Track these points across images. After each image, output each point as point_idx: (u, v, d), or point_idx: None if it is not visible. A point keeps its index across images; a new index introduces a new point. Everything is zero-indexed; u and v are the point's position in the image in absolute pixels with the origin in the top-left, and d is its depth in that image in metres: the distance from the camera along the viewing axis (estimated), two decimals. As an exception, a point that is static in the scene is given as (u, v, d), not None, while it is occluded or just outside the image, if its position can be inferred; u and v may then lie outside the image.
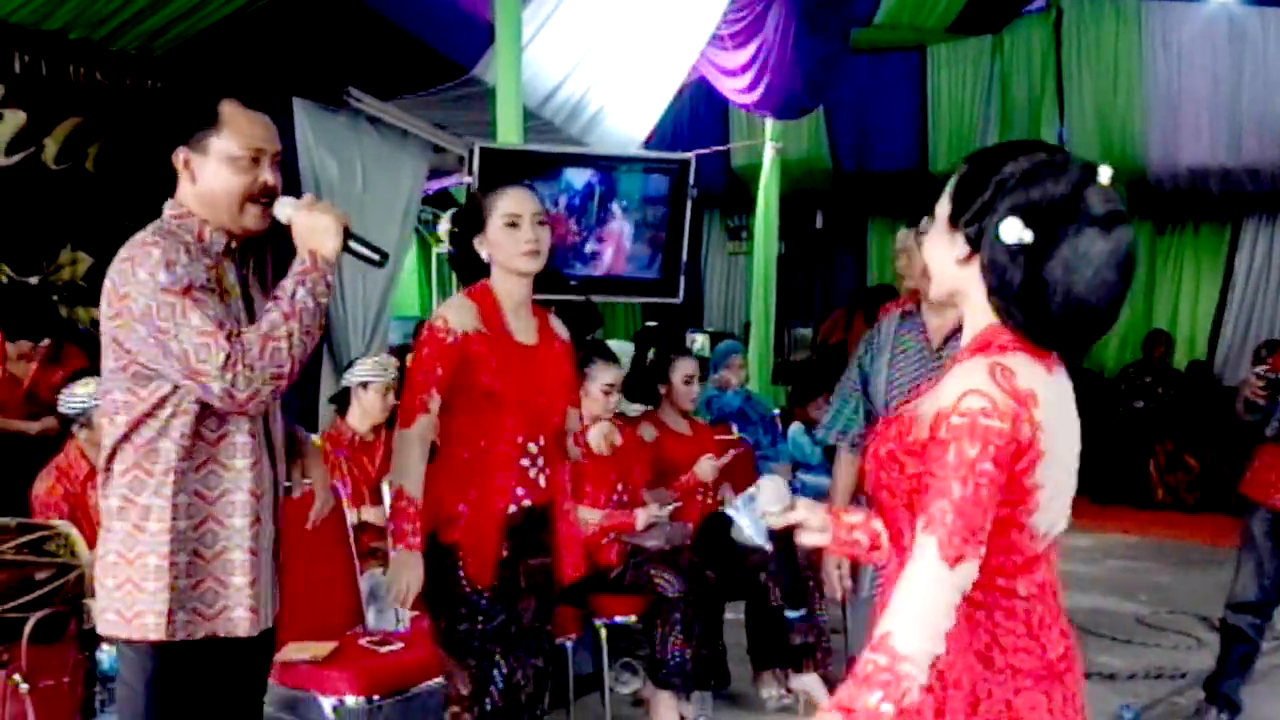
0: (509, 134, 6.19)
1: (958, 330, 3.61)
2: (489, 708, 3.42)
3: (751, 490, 2.29)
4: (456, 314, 3.40)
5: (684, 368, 5.61)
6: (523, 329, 3.51)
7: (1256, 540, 5.02)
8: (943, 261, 2.02)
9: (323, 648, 4.24)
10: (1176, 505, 10.90)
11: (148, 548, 2.54)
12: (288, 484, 2.94)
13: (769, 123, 10.09)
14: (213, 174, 2.65)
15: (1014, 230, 1.86)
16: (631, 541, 5.04)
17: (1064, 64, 11.36)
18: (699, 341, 10.55)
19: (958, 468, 1.83)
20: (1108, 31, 11.20)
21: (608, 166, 7.47)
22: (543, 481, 3.47)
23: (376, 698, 4.12)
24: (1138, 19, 11.08)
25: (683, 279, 7.76)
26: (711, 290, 13.69)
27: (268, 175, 2.69)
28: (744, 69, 8.88)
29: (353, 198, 7.03)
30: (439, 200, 10.30)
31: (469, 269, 3.55)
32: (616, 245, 7.49)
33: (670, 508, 5.17)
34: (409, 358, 3.62)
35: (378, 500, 5.03)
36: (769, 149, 10.11)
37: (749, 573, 5.30)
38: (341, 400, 5.58)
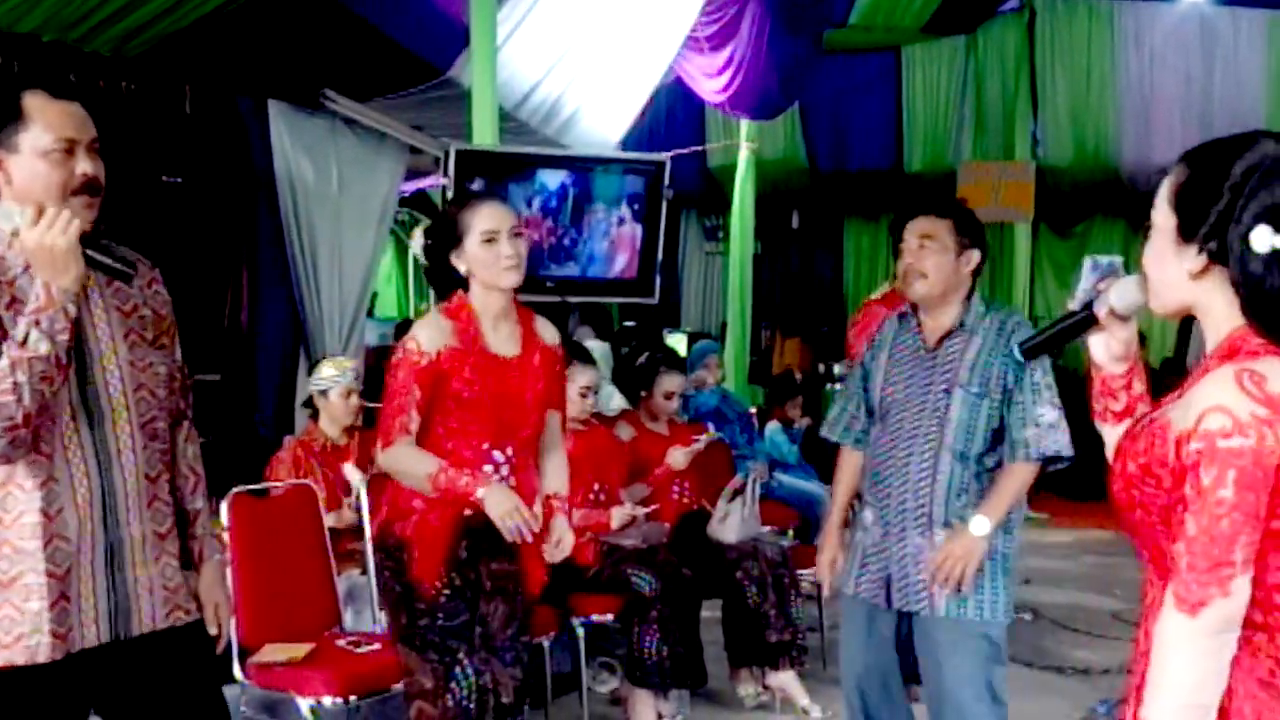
0: (484, 135, 6.19)
1: (952, 331, 3.65)
2: (453, 703, 3.42)
3: (1119, 297, 2.06)
4: (428, 334, 3.41)
5: (668, 383, 5.64)
6: (502, 340, 3.50)
7: None
8: (1173, 276, 1.87)
9: (300, 649, 4.23)
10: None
11: None
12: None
13: (745, 123, 10.11)
14: (28, 171, 2.48)
15: (1265, 238, 1.73)
16: (609, 540, 5.05)
17: (1037, 64, 11.42)
18: (680, 340, 10.59)
19: (1195, 501, 1.74)
20: (1080, 31, 11.26)
21: (583, 168, 7.47)
22: (516, 534, 3.39)
23: (354, 698, 4.12)
24: (1110, 19, 11.14)
25: (658, 279, 7.77)
26: (689, 290, 13.71)
27: (86, 165, 2.51)
28: (720, 70, 8.90)
29: (329, 199, 7.02)
30: (416, 201, 10.30)
31: (444, 282, 3.55)
32: (594, 244, 7.49)
33: (649, 509, 5.18)
34: (387, 361, 3.60)
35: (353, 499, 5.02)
36: (745, 149, 10.14)
37: (725, 571, 5.31)
38: (313, 406, 5.58)
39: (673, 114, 10.94)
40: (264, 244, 6.83)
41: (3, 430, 2.35)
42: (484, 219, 3.44)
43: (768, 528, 5.89)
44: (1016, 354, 2.54)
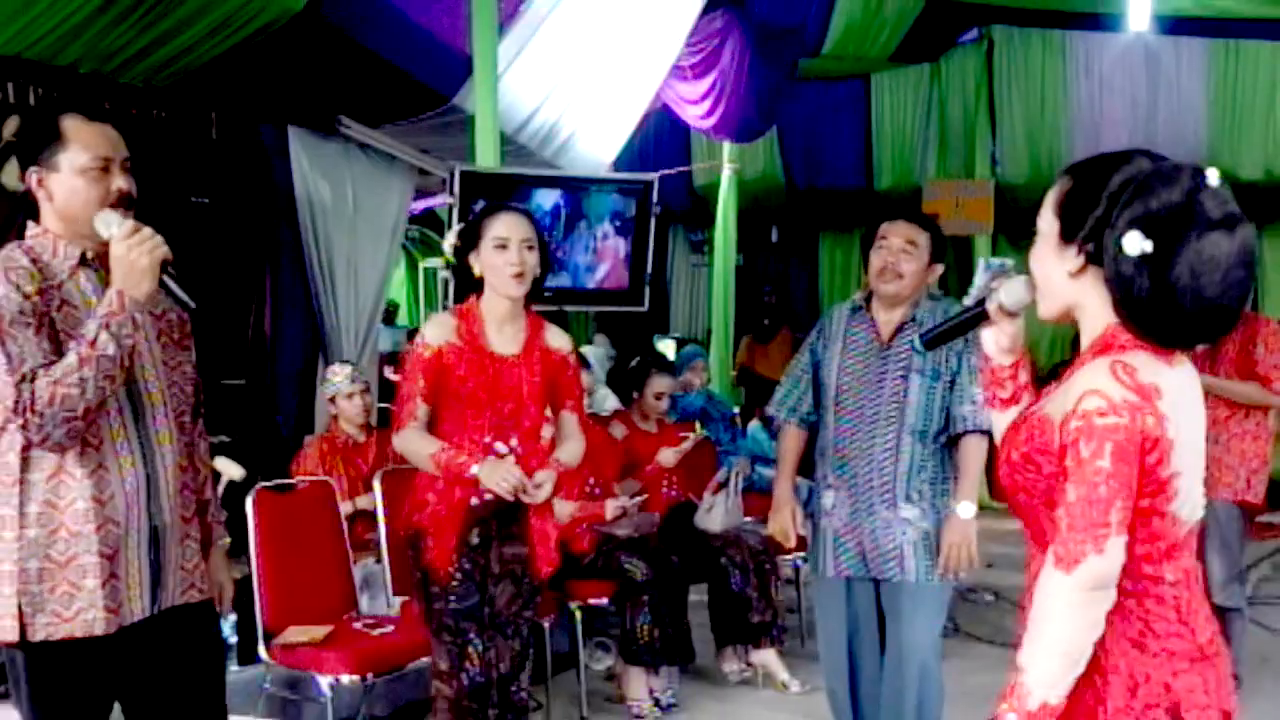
0: (487, 158, 6.20)
1: (903, 325, 3.68)
2: (467, 682, 3.44)
3: (1008, 295, 2.10)
4: (433, 330, 3.49)
5: (658, 385, 5.66)
6: (504, 341, 3.53)
7: None
8: (1055, 276, 1.93)
9: (319, 631, 4.25)
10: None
11: (2, 555, 2.47)
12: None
13: (727, 145, 10.11)
14: (67, 188, 2.54)
15: (1136, 243, 1.77)
16: (603, 530, 5.06)
17: (996, 89, 11.41)
18: (669, 346, 10.60)
19: (1074, 471, 1.80)
20: (1035, 59, 11.27)
21: (578, 187, 7.49)
22: (513, 495, 3.43)
23: (370, 676, 4.14)
24: (1063, 48, 11.15)
25: (648, 289, 7.78)
26: (677, 299, 13.68)
27: (120, 181, 2.57)
28: (703, 97, 8.91)
29: (345, 217, 7.02)
30: (425, 219, 10.30)
31: (464, 281, 3.58)
32: (588, 257, 7.51)
33: (639, 499, 5.19)
34: (400, 364, 3.65)
35: (369, 489, 5.03)
36: (727, 169, 10.14)
37: (711, 558, 5.33)
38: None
39: (660, 137, 10.92)
40: (285, 258, 6.83)
41: (63, 421, 2.39)
42: (499, 226, 3.48)
43: (750, 518, 5.90)
44: (918, 344, 2.59)
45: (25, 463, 2.47)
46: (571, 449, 3.66)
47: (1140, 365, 1.82)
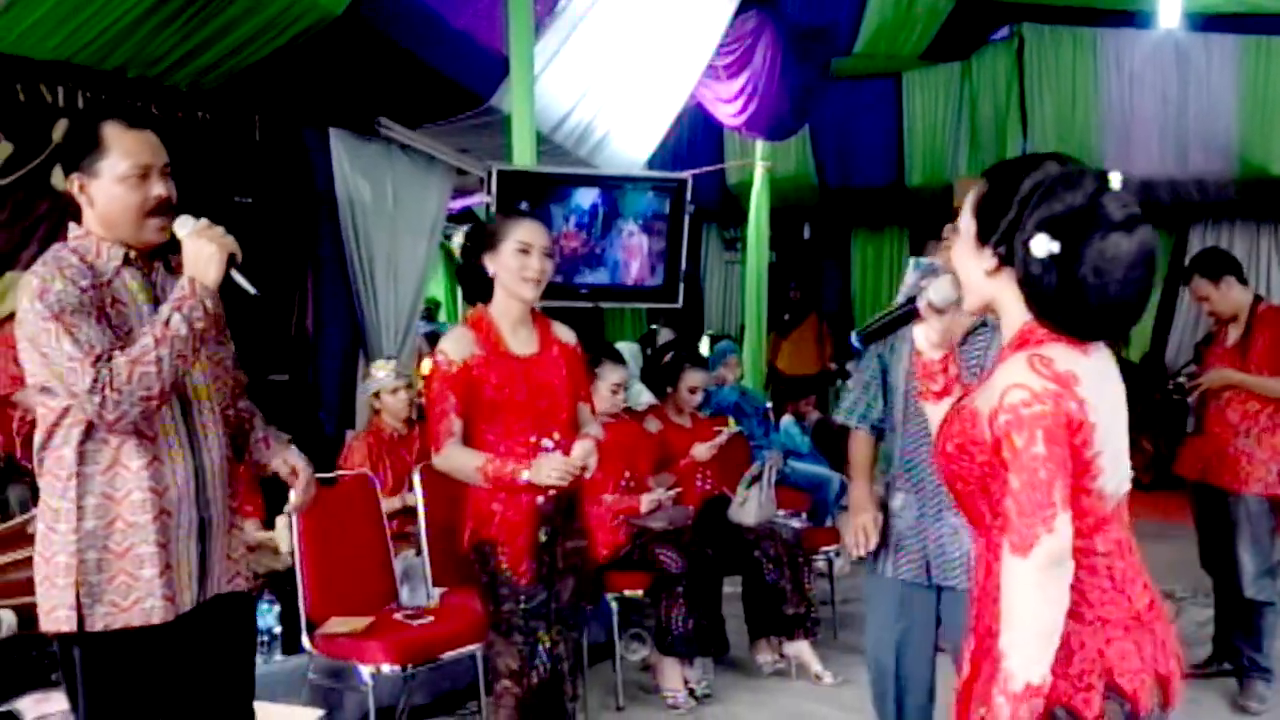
0: (523, 157, 6.21)
1: (975, 327, 3.58)
2: (536, 680, 3.43)
3: (936, 293, 2.19)
4: (454, 345, 3.45)
5: (692, 379, 5.66)
6: (521, 342, 3.53)
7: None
8: (974, 274, 2.03)
9: (361, 622, 4.27)
10: (1133, 485, 10.86)
11: (59, 547, 2.49)
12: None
13: (759, 144, 10.09)
14: (108, 195, 2.56)
15: (1043, 245, 1.86)
16: (638, 523, 5.06)
17: (1026, 87, 11.34)
18: (703, 342, 10.60)
19: (1013, 461, 1.88)
20: (1066, 56, 11.19)
21: (613, 185, 7.49)
22: (569, 480, 3.43)
23: (410, 666, 4.15)
24: (1093, 45, 11.06)
25: (682, 286, 7.77)
26: (710, 296, 13.67)
27: (159, 188, 2.60)
28: (736, 96, 8.89)
29: (385, 216, 7.06)
30: (463, 218, 10.33)
31: (472, 281, 3.58)
32: (623, 255, 7.51)
33: (673, 493, 5.19)
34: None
35: (412, 486, 5.05)
36: (760, 168, 10.11)
37: (745, 550, 5.32)
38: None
39: (694, 136, 10.91)
40: (326, 257, 6.87)
41: (140, 400, 2.42)
42: (524, 232, 3.47)
43: (783, 511, 5.89)
44: (855, 341, 2.62)
45: (81, 456, 2.49)
46: (595, 429, 3.69)
47: (1056, 356, 1.90)
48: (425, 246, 7.42)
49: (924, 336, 2.27)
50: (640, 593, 5.07)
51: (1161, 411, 10.39)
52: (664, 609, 4.94)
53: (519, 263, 3.45)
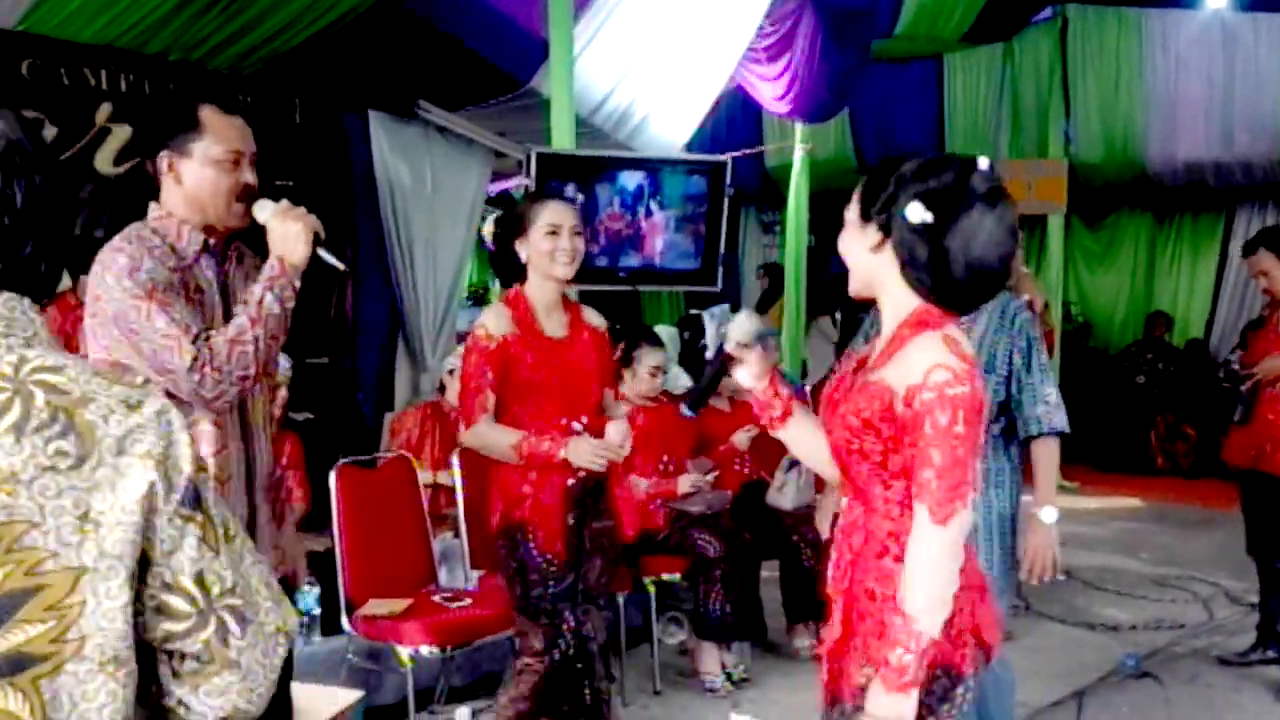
0: (562, 140, 6.20)
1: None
2: (559, 657, 3.47)
3: (737, 331, 2.36)
4: (494, 321, 3.46)
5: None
6: (554, 325, 3.56)
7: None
8: (858, 253, 2.17)
9: (399, 603, 4.29)
10: (1175, 472, 10.80)
11: None
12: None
13: (799, 126, 10.03)
14: (198, 175, 2.59)
15: (917, 212, 2.04)
16: (676, 507, 5.06)
17: (1070, 68, 11.22)
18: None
19: (935, 437, 1.99)
20: (1110, 38, 11.06)
21: (652, 168, 7.47)
22: (605, 464, 3.46)
23: (448, 648, 4.17)
24: (1138, 26, 10.93)
25: (720, 269, 7.75)
26: (749, 279, 13.65)
27: (248, 175, 2.64)
28: (776, 79, 8.84)
29: (424, 199, 7.07)
30: (501, 201, 10.33)
31: (506, 267, 3.60)
32: (662, 238, 7.49)
33: (711, 476, 5.18)
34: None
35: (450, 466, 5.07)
36: (799, 150, 10.05)
37: (783, 534, 5.31)
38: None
39: (733, 119, 10.86)
40: (366, 240, 6.89)
41: (239, 379, 2.46)
42: (551, 213, 3.50)
43: (821, 495, 5.87)
44: (686, 411, 2.72)
45: None
46: (622, 413, 3.73)
47: (959, 338, 2.07)
48: (464, 230, 7.43)
49: (747, 374, 2.39)
50: (678, 577, 5.07)
51: (1206, 398, 10.27)
52: (702, 593, 4.94)
53: (550, 244, 3.47)
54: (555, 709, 3.55)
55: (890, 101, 11.55)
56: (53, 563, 1.16)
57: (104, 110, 5.82)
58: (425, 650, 4.12)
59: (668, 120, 8.13)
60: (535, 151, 6.44)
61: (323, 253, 2.63)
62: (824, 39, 8.81)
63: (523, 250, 3.51)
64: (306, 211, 2.62)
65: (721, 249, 7.67)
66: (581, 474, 3.46)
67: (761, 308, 10.51)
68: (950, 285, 2.07)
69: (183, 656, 1.27)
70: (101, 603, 1.18)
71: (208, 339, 2.43)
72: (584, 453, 3.37)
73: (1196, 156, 11.04)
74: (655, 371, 5.19)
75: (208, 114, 2.61)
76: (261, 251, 2.64)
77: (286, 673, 2.86)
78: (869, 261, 2.15)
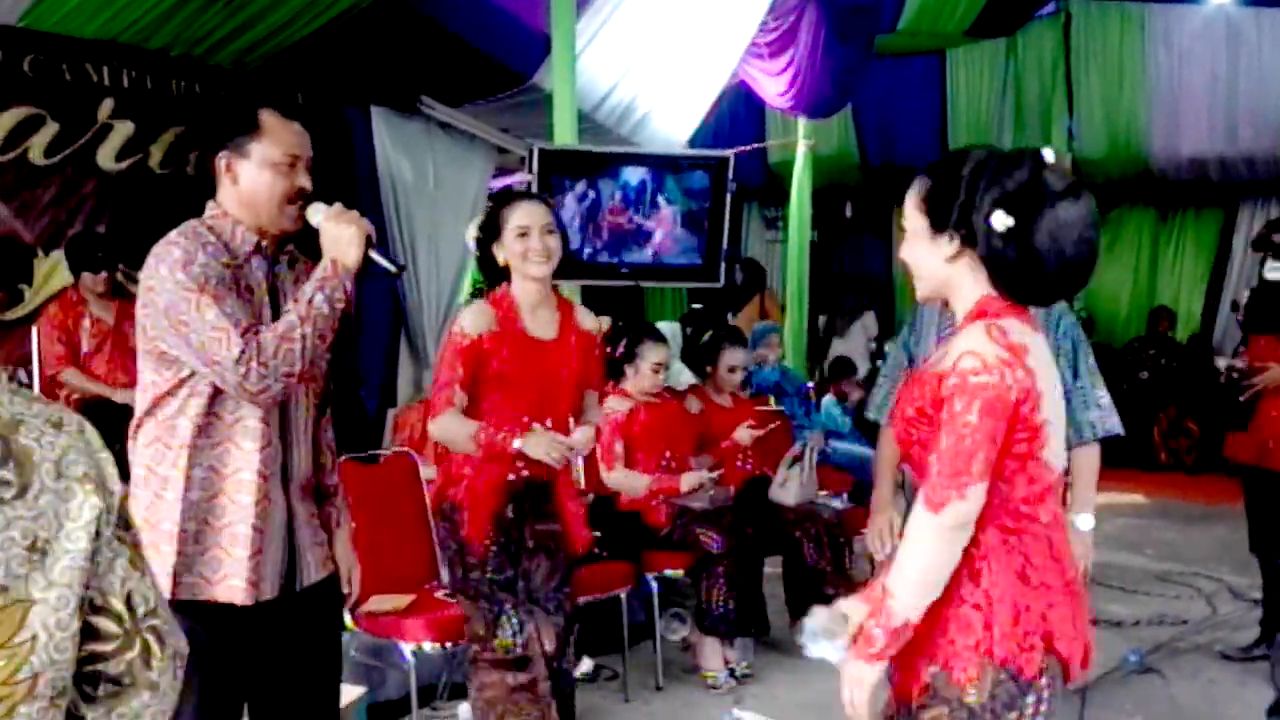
0: (565, 136, 6.20)
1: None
2: (507, 651, 3.50)
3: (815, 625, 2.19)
4: (471, 319, 3.50)
5: (731, 358, 5.63)
6: (540, 325, 3.57)
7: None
8: (932, 263, 2.13)
9: (402, 600, 4.28)
10: (1178, 467, 10.78)
11: (165, 514, 2.52)
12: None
13: (802, 122, 10.03)
14: (254, 177, 2.61)
15: (1000, 220, 2.00)
16: (679, 503, 5.05)
17: (1073, 64, 11.21)
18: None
19: (947, 423, 2.00)
20: (1113, 33, 11.05)
21: (655, 164, 7.46)
22: (562, 461, 3.48)
23: (450, 644, 4.16)
24: (1141, 21, 10.92)
25: (723, 265, 7.74)
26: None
27: (303, 179, 2.66)
28: (779, 74, 8.83)
29: (425, 195, 7.07)
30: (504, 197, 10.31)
31: (491, 269, 3.62)
32: (665, 234, 7.48)
33: (714, 474, 5.17)
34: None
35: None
36: (802, 146, 10.05)
37: (786, 530, 5.30)
38: None
39: (736, 114, 10.85)
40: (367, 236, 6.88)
41: (284, 375, 2.48)
42: (520, 215, 3.52)
43: (824, 491, 5.87)
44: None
45: (198, 429, 2.54)
46: (595, 416, 3.77)
47: (1011, 328, 2.03)
48: (466, 226, 7.43)
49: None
50: (681, 572, 5.06)
51: (1209, 394, 10.26)
52: (704, 589, 4.94)
53: (521, 246, 3.50)
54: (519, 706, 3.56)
55: (893, 97, 11.55)
56: (2, 598, 1.12)
57: (106, 106, 5.82)
58: (428, 646, 4.11)
59: (670, 116, 8.13)
60: (538, 147, 6.43)
61: (375, 255, 2.65)
62: (827, 34, 8.81)
63: (499, 253, 3.55)
64: (359, 215, 2.65)
65: (724, 245, 7.66)
66: (525, 473, 3.49)
67: (736, 304, 10.47)
68: (1041, 283, 2.07)
69: (99, 680, 1.23)
70: (53, 635, 1.15)
71: (256, 333, 2.46)
72: (540, 444, 3.38)
73: (1200, 152, 11.03)
74: (658, 368, 5.18)
75: (267, 117, 2.64)
76: (316, 255, 2.67)
77: (336, 673, 2.89)
78: (945, 271, 2.12)
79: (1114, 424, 3.48)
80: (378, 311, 7.01)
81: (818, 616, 2.18)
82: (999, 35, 11.21)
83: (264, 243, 2.65)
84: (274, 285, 2.68)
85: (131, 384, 5.62)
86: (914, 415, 2.11)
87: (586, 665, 4.94)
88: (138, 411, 2.61)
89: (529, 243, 3.49)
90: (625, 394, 5.19)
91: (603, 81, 7.35)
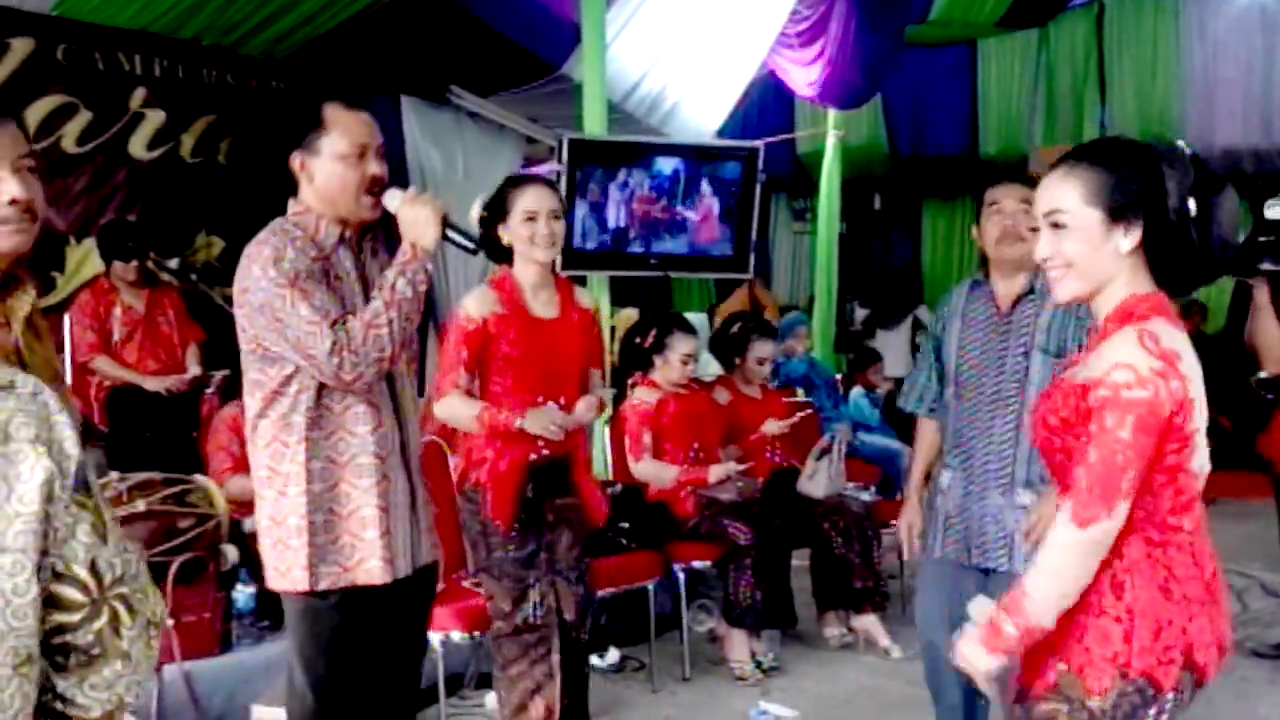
0: (594, 126, 6.19)
1: (1023, 295, 3.47)
2: (526, 622, 3.57)
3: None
4: (475, 303, 3.57)
5: (760, 350, 5.61)
6: (542, 305, 3.63)
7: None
8: (1102, 258, 2.05)
9: (431, 588, 4.29)
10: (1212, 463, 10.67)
11: (290, 510, 2.59)
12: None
13: (831, 112, 9.97)
14: (327, 172, 2.66)
15: (1193, 206, 1.99)
16: (706, 494, 5.04)
17: (1105, 54, 11.12)
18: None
19: (1098, 436, 1.95)
20: (1147, 23, 10.96)
21: (684, 154, 7.44)
22: (562, 434, 3.56)
23: (478, 634, 4.16)
24: (1175, 11, 10.83)
25: (752, 256, 7.71)
26: (779, 266, 13.57)
27: (375, 167, 2.70)
28: (809, 64, 8.79)
29: (454, 185, 7.07)
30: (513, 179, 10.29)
31: (495, 249, 3.65)
32: (694, 224, 7.47)
33: (743, 466, 5.16)
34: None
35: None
36: (831, 136, 9.99)
37: (814, 523, 5.29)
38: None
39: (765, 105, 10.80)
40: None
41: (375, 360, 2.55)
42: (528, 199, 3.56)
43: (852, 483, 5.84)
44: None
45: (310, 422, 2.60)
46: (602, 393, 3.84)
47: (1162, 333, 1.98)
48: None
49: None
50: (708, 564, 5.05)
51: (1239, 389, 10.17)
52: (732, 581, 4.93)
53: (528, 230, 3.54)
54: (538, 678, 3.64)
55: (924, 88, 11.47)
56: None
57: (138, 95, 5.85)
58: (455, 636, 4.12)
59: (700, 106, 8.11)
60: (567, 137, 6.43)
61: (452, 234, 2.70)
62: (858, 24, 8.75)
63: (504, 235, 3.59)
64: (428, 194, 2.71)
65: (753, 235, 7.64)
66: (545, 451, 3.56)
67: (720, 295, 10.43)
68: (1204, 269, 2.06)
69: (69, 650, 1.22)
70: (10, 601, 1.13)
71: (345, 324, 2.52)
72: (540, 420, 3.45)
73: (1234, 143, 10.90)
74: (687, 359, 5.17)
75: (332, 111, 2.68)
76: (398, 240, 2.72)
77: (422, 654, 2.95)
78: (1116, 266, 2.05)
79: None
80: (406, 300, 7.03)
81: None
82: (1031, 26, 11.14)
83: (348, 233, 2.71)
84: (363, 273, 2.73)
85: (162, 371, 5.75)
86: (1058, 425, 2.08)
87: (613, 655, 4.96)
88: (249, 413, 2.67)
89: (536, 227, 3.53)
90: (654, 385, 5.18)
91: (632, 71, 7.33)
